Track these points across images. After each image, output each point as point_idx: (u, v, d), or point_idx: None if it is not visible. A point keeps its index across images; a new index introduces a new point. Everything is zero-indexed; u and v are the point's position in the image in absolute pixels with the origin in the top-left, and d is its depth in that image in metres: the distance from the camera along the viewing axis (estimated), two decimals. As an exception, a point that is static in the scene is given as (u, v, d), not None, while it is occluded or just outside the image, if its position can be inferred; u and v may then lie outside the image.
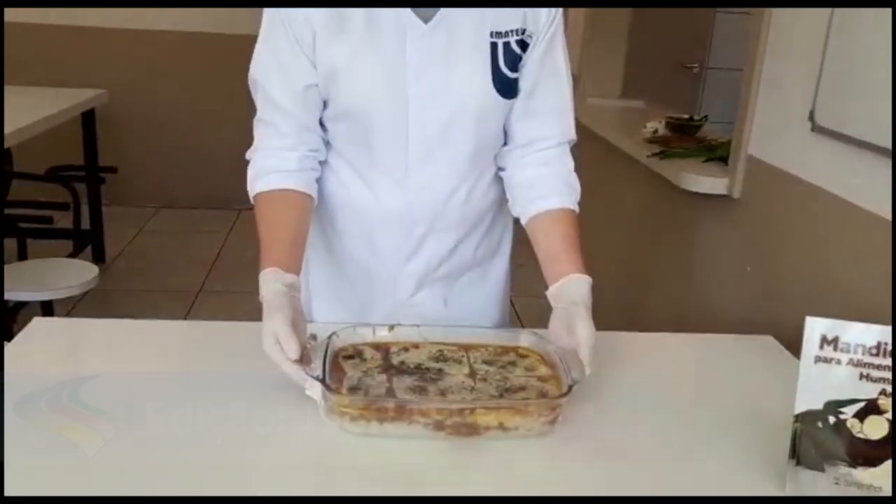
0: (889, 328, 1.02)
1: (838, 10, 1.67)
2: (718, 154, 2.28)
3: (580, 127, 3.22)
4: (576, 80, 3.66)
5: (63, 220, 3.65)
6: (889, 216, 1.51)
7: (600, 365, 1.21)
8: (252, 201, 1.34)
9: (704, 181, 2.17)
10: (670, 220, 2.54)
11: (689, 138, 2.56)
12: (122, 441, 1.07)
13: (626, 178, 2.85)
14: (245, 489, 0.99)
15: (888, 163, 1.50)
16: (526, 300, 2.25)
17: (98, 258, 4.01)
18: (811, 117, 1.75)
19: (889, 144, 1.49)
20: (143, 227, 4.77)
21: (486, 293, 1.55)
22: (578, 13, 3.70)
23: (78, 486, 0.98)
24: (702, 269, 2.33)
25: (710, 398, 1.29)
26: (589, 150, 3.18)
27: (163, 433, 1.10)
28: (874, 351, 1.02)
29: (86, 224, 3.95)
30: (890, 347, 1.01)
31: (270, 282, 1.19)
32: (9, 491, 0.95)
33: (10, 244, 3.37)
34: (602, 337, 1.22)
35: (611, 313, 2.89)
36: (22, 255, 3.28)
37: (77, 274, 2.65)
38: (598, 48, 3.49)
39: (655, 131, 2.65)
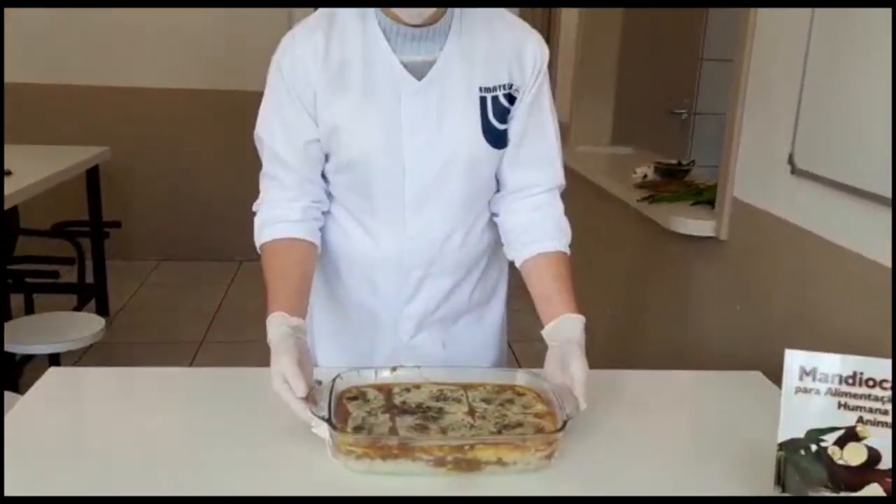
0: (862, 359, 1.08)
1: (812, 55, 1.76)
2: (706, 197, 2.36)
3: (572, 173, 3.32)
4: (566, 128, 3.78)
5: (67, 275, 3.71)
6: (867, 253, 1.58)
7: (596, 402, 1.26)
8: (259, 250, 1.41)
9: (692, 224, 2.25)
10: (662, 261, 2.61)
11: (678, 182, 2.64)
12: (131, 475, 1.12)
13: (618, 221, 2.93)
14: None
15: (865, 203, 1.57)
16: (524, 344, 2.31)
17: (102, 311, 4.06)
18: (790, 160, 1.83)
19: (866, 186, 1.57)
20: (145, 280, 4.83)
21: (483, 335, 1.61)
22: (568, 64, 3.82)
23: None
24: (693, 309, 2.39)
25: (700, 431, 1.34)
26: (581, 195, 3.28)
27: (173, 466, 1.15)
28: (850, 381, 1.08)
29: (90, 278, 4.01)
30: (865, 377, 1.08)
31: (277, 325, 1.26)
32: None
33: (17, 299, 3.44)
34: (597, 375, 1.28)
35: (608, 351, 2.95)
36: (28, 310, 3.34)
37: (83, 326, 2.71)
38: (587, 97, 3.60)
39: (645, 176, 2.73)
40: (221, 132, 4.72)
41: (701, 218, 2.26)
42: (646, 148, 3.56)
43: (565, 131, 3.80)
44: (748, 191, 2.07)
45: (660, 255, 2.60)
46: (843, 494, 1.07)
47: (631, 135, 3.77)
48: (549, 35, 4.39)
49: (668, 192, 2.48)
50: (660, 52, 4.26)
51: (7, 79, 4.45)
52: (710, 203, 2.29)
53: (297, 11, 4.74)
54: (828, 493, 1.08)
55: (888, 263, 1.51)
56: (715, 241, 2.22)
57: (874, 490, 1.06)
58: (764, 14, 2.01)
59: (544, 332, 1.38)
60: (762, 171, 1.99)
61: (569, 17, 3.88)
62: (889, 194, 1.50)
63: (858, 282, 1.61)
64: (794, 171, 1.82)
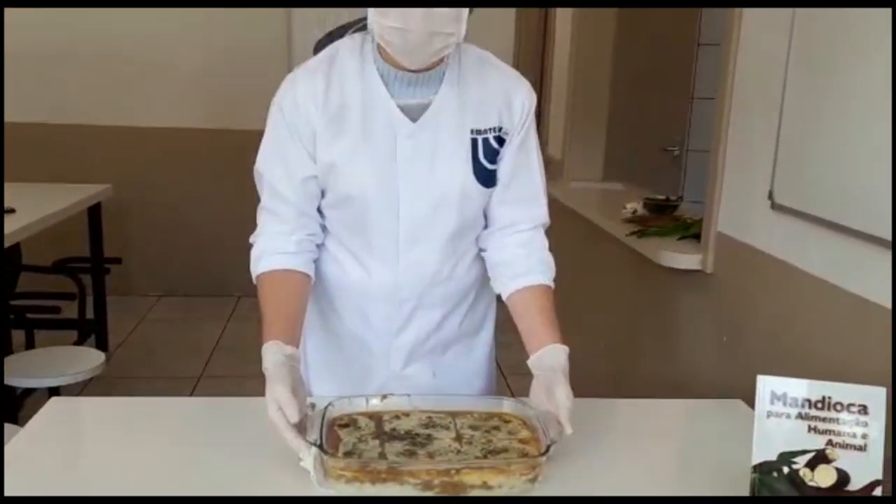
0: (830, 384, 1.13)
1: (789, 94, 1.83)
2: (692, 232, 2.42)
3: (564, 208, 3.38)
4: (559, 164, 3.84)
5: (68, 310, 3.76)
6: (843, 284, 1.63)
7: (582, 429, 1.30)
8: (255, 281, 1.47)
9: (679, 257, 2.30)
10: (651, 294, 2.66)
11: (666, 217, 2.70)
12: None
13: (609, 255, 2.99)
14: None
15: (840, 236, 1.63)
16: (519, 377, 2.35)
17: (101, 346, 4.10)
18: (770, 196, 1.89)
19: (842, 220, 1.62)
20: (145, 316, 4.88)
21: (472, 364, 1.66)
22: (560, 102, 3.91)
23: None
24: (683, 340, 2.43)
25: (680, 456, 1.39)
26: (573, 230, 3.35)
27: (165, 491, 1.19)
28: (819, 405, 1.13)
29: (90, 313, 4.05)
30: (833, 401, 1.12)
31: (272, 353, 1.31)
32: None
33: (18, 335, 3.48)
34: (586, 403, 1.32)
35: (602, 382, 2.99)
36: (29, 345, 3.38)
37: (83, 360, 2.75)
38: (579, 135, 3.68)
39: (635, 211, 2.79)
40: (220, 171, 4.79)
41: (687, 252, 2.31)
42: (638, 184, 3.63)
43: (558, 168, 3.88)
44: (732, 225, 2.13)
45: (649, 288, 2.66)
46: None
47: (624, 171, 3.84)
48: (543, 73, 4.50)
49: (656, 227, 2.54)
50: (652, 91, 4.34)
51: (12, 119, 4.56)
52: (697, 237, 2.34)
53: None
54: (801, 514, 1.12)
55: (864, 294, 1.57)
56: (701, 275, 2.27)
57: (844, 511, 1.11)
58: (744, 54, 2.09)
59: (530, 362, 1.43)
60: (744, 206, 2.05)
61: (561, 56, 3.98)
62: (862, 228, 1.56)
63: (835, 312, 1.66)
64: (774, 205, 1.88)
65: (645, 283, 2.68)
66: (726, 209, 2.17)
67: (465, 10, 1.33)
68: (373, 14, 1.34)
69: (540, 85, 4.54)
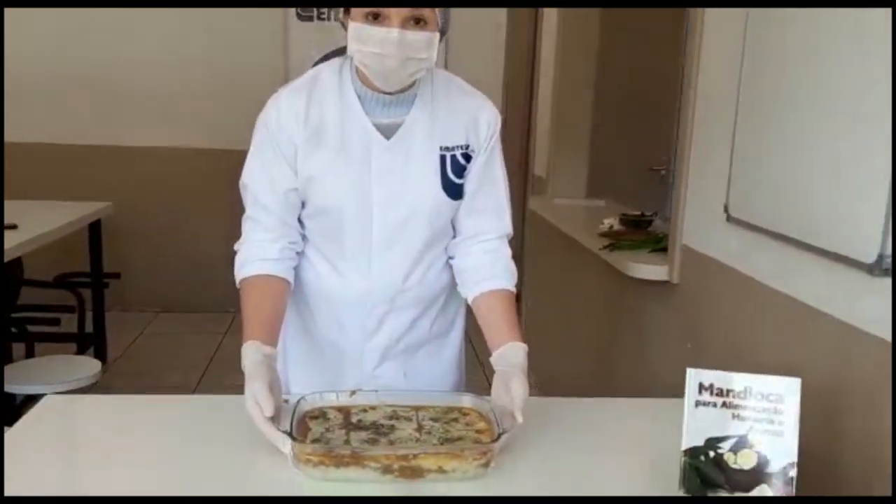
0: (752, 376, 1.24)
1: (741, 116, 1.96)
2: (662, 245, 2.54)
3: (546, 223, 3.49)
4: (545, 183, 3.95)
5: (68, 324, 3.88)
6: (789, 291, 1.75)
7: (538, 425, 1.42)
8: (238, 285, 1.59)
9: (646, 269, 2.43)
10: (624, 304, 2.78)
11: (641, 232, 2.82)
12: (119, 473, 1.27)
13: (586, 268, 3.10)
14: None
15: (782, 246, 1.75)
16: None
17: (100, 359, 4.17)
18: (726, 209, 2.01)
19: (787, 231, 1.74)
20: (143, 331, 4.99)
21: (441, 366, 1.77)
22: (545, 125, 4.04)
23: None
24: (652, 347, 2.55)
25: (626, 447, 1.49)
26: (555, 244, 3.47)
27: (152, 478, 1.30)
28: (742, 395, 1.24)
29: (90, 328, 4.17)
30: (755, 391, 1.24)
31: (251, 353, 1.43)
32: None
33: (19, 348, 3.59)
34: (551, 402, 1.42)
35: (579, 386, 3.11)
36: (29, 357, 3.49)
37: (81, 369, 2.86)
38: (563, 153, 3.82)
39: (611, 226, 2.92)
40: (217, 190, 4.89)
41: (655, 263, 2.43)
42: (624, 202, 3.75)
43: (543, 186, 4.01)
44: (695, 238, 2.25)
45: (623, 299, 2.77)
46: (737, 495, 1.22)
47: (611, 190, 3.96)
48: (531, 97, 4.63)
49: (628, 241, 2.66)
50: (640, 113, 4.46)
51: (17, 139, 4.75)
52: (665, 250, 2.46)
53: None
54: (724, 494, 1.22)
55: (807, 300, 1.68)
56: (668, 285, 2.39)
57: (763, 490, 1.22)
58: (704, 76, 2.22)
59: (492, 359, 1.55)
60: (705, 220, 2.17)
61: (546, 80, 4.12)
62: (801, 237, 1.68)
63: (783, 317, 1.78)
64: (729, 218, 2.00)
65: (619, 293, 2.80)
66: (690, 223, 2.29)
67: (437, 37, 1.46)
68: (352, 41, 1.46)
69: (528, 108, 4.68)
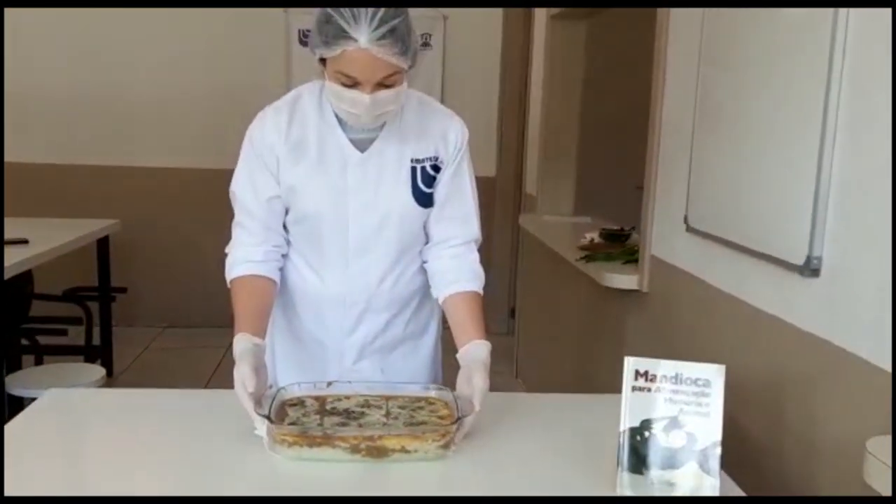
0: (683, 363, 1.37)
1: (697, 135, 2.10)
2: (635, 257, 2.67)
3: (535, 239, 3.62)
4: (534, 201, 4.08)
5: (75, 336, 4.03)
6: (737, 293, 1.88)
7: (500, 417, 1.57)
8: (228, 285, 1.74)
9: (619, 278, 2.56)
10: (602, 313, 2.91)
11: (618, 245, 2.96)
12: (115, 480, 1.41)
13: (568, 279, 3.24)
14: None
15: (736, 254, 1.88)
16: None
17: (106, 370, 4.35)
18: (685, 220, 2.15)
19: (735, 238, 1.87)
20: (149, 345, 5.14)
21: (416, 364, 1.90)
22: (534, 146, 4.19)
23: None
24: (626, 350, 2.67)
25: (586, 435, 1.60)
26: (541, 258, 3.61)
27: (153, 464, 1.44)
28: (674, 380, 1.37)
29: (97, 341, 4.32)
30: (685, 376, 1.36)
31: (241, 342, 1.58)
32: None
33: (28, 359, 3.74)
34: (512, 397, 1.54)
35: (565, 381, 3.24)
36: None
37: (87, 374, 3.02)
38: (551, 173, 3.98)
39: (591, 240, 3.05)
40: (221, 208, 5.03)
41: (627, 273, 2.56)
42: (610, 219, 3.88)
43: (533, 203, 4.15)
44: (661, 248, 2.39)
45: (600, 307, 2.91)
46: (666, 471, 1.34)
47: (599, 208, 4.10)
48: (525, 118, 4.79)
49: (604, 253, 2.79)
50: (625, 133, 4.60)
51: (28, 160, 5.01)
52: (638, 261, 2.59)
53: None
54: (657, 471, 1.35)
55: (755, 303, 1.81)
56: (640, 294, 2.52)
57: (692, 468, 1.34)
58: (669, 92, 2.36)
59: (458, 355, 1.68)
60: (669, 231, 2.31)
61: (535, 103, 4.27)
62: (753, 246, 1.81)
63: (737, 320, 1.91)
64: (689, 229, 2.14)
65: (597, 302, 2.93)
66: (657, 234, 2.43)
67: (405, 85, 1.61)
68: (329, 93, 1.62)
69: (522, 131, 4.84)
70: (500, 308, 5.03)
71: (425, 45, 5.06)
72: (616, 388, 1.34)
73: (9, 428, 1.56)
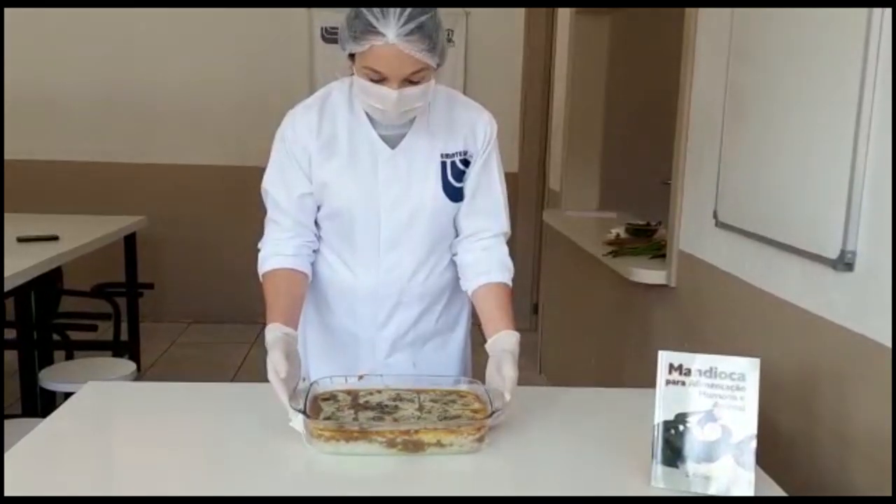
0: (717, 357, 1.37)
1: (728, 120, 2.09)
2: (662, 252, 2.67)
3: (559, 235, 3.62)
4: (558, 196, 4.09)
5: (104, 332, 4.08)
6: (771, 289, 1.87)
7: (532, 410, 1.58)
8: (261, 279, 1.76)
9: (646, 273, 2.56)
10: (627, 306, 2.91)
11: (645, 240, 2.95)
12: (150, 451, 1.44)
13: (592, 274, 3.25)
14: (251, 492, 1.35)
15: (765, 248, 1.88)
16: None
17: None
18: (715, 215, 2.14)
19: (766, 233, 1.87)
20: (176, 340, 5.20)
21: (447, 357, 1.91)
22: (558, 142, 4.19)
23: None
24: (653, 345, 2.67)
25: (615, 429, 1.61)
26: (565, 254, 3.61)
27: (184, 454, 1.46)
28: (708, 374, 1.37)
29: (124, 336, 4.37)
30: (719, 370, 1.37)
31: (273, 331, 1.60)
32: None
33: (59, 354, 3.81)
34: (541, 390, 1.55)
35: (590, 376, 3.24)
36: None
37: (117, 369, 3.06)
38: (575, 168, 3.97)
39: (617, 235, 3.05)
40: (246, 204, 5.09)
41: (655, 268, 2.56)
42: (635, 214, 3.88)
43: (557, 199, 4.15)
44: (690, 243, 2.38)
45: (627, 302, 2.90)
46: (702, 464, 1.35)
47: (625, 202, 4.10)
48: (548, 114, 4.79)
49: (630, 248, 2.79)
50: (650, 129, 4.59)
51: (59, 157, 5.14)
52: (665, 256, 2.59)
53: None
54: (692, 464, 1.35)
55: (787, 297, 1.81)
56: (667, 289, 2.52)
57: (728, 461, 1.34)
58: (697, 87, 2.35)
59: (487, 346, 1.69)
60: (698, 226, 2.31)
61: (559, 99, 4.27)
62: (782, 239, 1.80)
63: (767, 314, 1.90)
64: (718, 223, 2.13)
65: (623, 297, 2.93)
66: (685, 229, 2.42)
67: (432, 83, 1.62)
68: (357, 89, 1.64)
69: (545, 127, 4.84)
70: (523, 304, 5.02)
71: (448, 41, 5.06)
72: (642, 382, 1.34)
73: (51, 419, 1.59)
